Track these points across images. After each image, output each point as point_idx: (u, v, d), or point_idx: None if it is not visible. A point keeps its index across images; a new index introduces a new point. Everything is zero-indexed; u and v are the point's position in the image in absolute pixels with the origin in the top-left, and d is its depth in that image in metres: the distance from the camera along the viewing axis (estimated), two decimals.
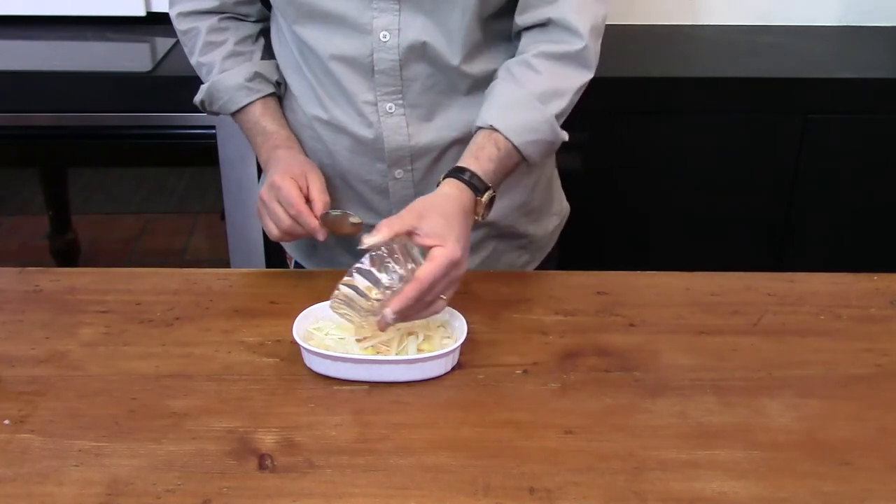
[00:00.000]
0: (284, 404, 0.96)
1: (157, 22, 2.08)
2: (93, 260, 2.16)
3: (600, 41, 1.16)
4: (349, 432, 0.92)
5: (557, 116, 1.13)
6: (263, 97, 1.24)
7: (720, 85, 1.95)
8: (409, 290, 0.96)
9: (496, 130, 1.10)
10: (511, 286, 1.18)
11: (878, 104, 1.96)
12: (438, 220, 1.02)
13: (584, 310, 1.14)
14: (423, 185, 1.23)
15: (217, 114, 1.28)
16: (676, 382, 1.00)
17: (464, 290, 1.16)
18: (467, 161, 1.09)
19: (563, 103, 1.13)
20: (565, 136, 1.15)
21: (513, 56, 1.18)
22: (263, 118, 1.23)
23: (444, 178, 1.09)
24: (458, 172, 1.08)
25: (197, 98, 1.27)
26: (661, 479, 0.87)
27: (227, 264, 1.95)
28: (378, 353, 1.01)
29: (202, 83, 1.26)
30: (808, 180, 2.00)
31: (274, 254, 1.95)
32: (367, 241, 0.99)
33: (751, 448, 0.91)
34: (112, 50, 2.05)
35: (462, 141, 1.20)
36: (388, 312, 0.96)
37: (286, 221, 1.12)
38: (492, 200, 1.10)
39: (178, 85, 1.82)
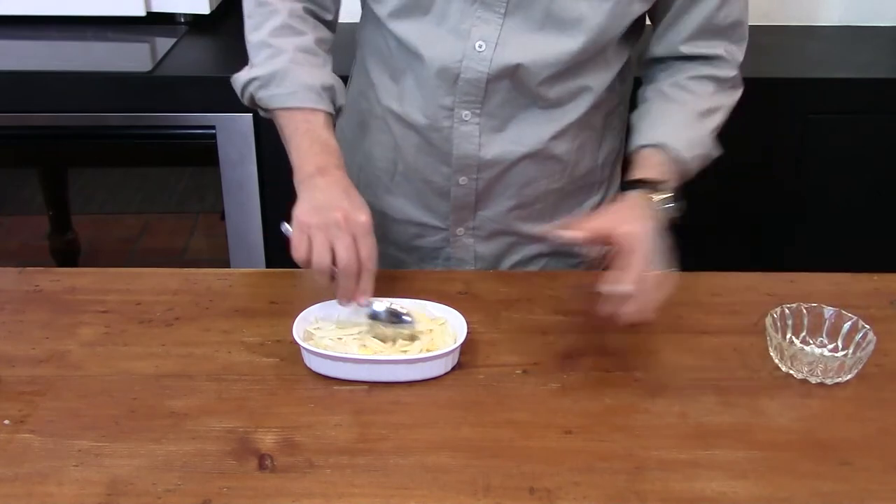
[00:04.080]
0: (284, 404, 0.96)
1: (157, 22, 2.08)
2: (93, 260, 2.16)
3: None
4: (349, 432, 0.92)
5: (712, 131, 1.18)
6: (327, 113, 1.13)
7: None
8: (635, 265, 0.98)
9: (666, 147, 1.14)
10: (511, 286, 1.18)
11: (878, 104, 1.96)
12: (635, 224, 1.03)
13: (585, 310, 1.14)
14: (485, 195, 1.23)
15: (252, 100, 1.15)
16: (676, 382, 1.00)
17: (464, 289, 1.16)
18: (646, 173, 1.12)
19: (718, 119, 1.19)
20: (719, 150, 1.19)
21: (599, 82, 1.18)
22: (326, 131, 1.11)
23: (627, 192, 1.11)
24: (639, 184, 1.11)
25: (245, 75, 1.14)
26: (661, 479, 0.87)
27: (227, 264, 1.95)
28: (378, 352, 1.01)
29: (248, 64, 1.15)
30: (808, 180, 2.00)
31: (274, 254, 1.95)
32: (564, 233, 1.01)
33: (751, 448, 0.91)
34: (112, 50, 2.05)
35: (531, 157, 1.20)
36: (623, 286, 0.96)
37: (347, 260, 1.00)
38: (672, 200, 1.12)
39: (178, 85, 1.83)
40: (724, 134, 1.97)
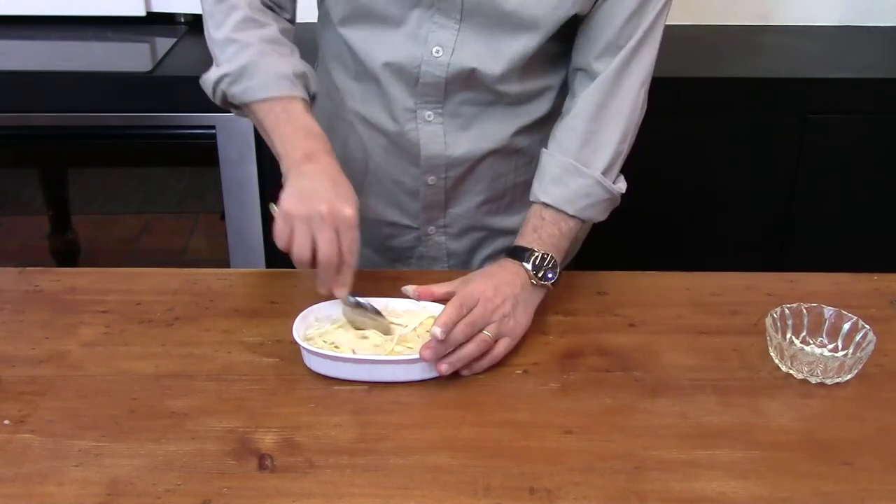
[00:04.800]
0: (284, 404, 0.96)
1: (157, 22, 2.08)
2: (93, 260, 2.16)
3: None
4: (349, 432, 0.92)
5: (605, 172, 1.13)
6: (304, 100, 1.11)
7: (720, 85, 1.95)
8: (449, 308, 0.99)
9: (549, 206, 1.12)
10: None
11: (878, 104, 1.96)
12: (478, 284, 1.04)
13: (584, 310, 1.14)
14: (454, 193, 1.24)
15: (225, 98, 1.13)
16: (676, 382, 1.00)
17: None
18: (522, 239, 1.11)
19: (607, 156, 1.13)
20: (622, 188, 1.16)
21: (559, 80, 1.19)
22: (307, 117, 1.09)
23: (504, 258, 1.11)
24: (510, 252, 1.11)
25: (214, 74, 1.12)
26: (661, 479, 0.87)
27: (227, 264, 1.96)
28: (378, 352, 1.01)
29: (215, 63, 1.14)
30: (808, 180, 2.00)
31: (274, 254, 1.95)
32: (411, 292, 1.06)
33: (751, 448, 0.91)
34: (112, 50, 2.05)
35: (497, 152, 1.21)
36: (436, 329, 0.97)
37: (328, 255, 1.00)
38: (543, 261, 1.09)
39: (178, 85, 1.83)
40: (725, 132, 1.98)
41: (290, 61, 1.11)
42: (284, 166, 1.07)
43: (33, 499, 0.83)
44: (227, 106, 1.15)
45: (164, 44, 2.01)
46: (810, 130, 1.96)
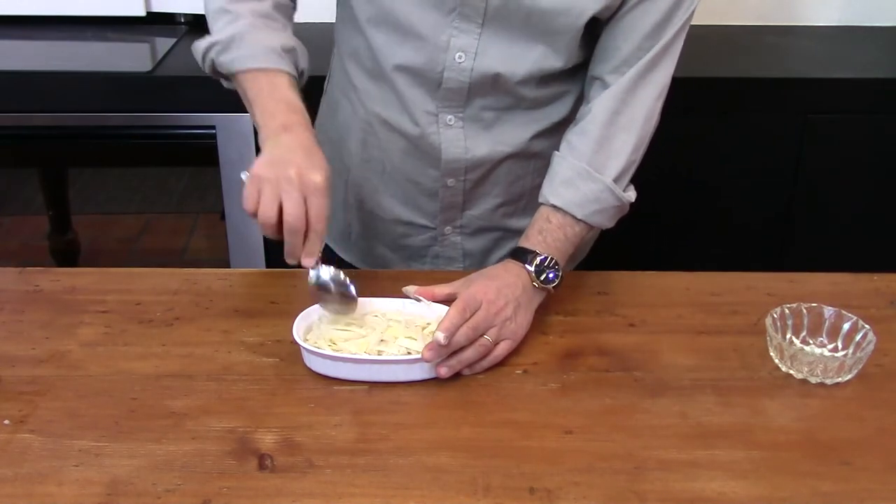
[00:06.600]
0: (284, 404, 0.96)
1: (157, 22, 2.08)
2: (93, 260, 2.16)
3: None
4: (349, 432, 0.92)
5: (617, 179, 1.13)
6: (290, 75, 1.11)
7: (720, 85, 1.95)
8: (452, 313, 0.99)
9: (557, 208, 1.12)
10: None
11: (878, 104, 1.96)
12: (479, 285, 1.04)
13: (585, 310, 1.14)
14: (472, 194, 1.24)
15: (213, 67, 1.14)
16: (676, 382, 1.00)
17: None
18: (526, 241, 1.11)
19: (616, 166, 1.13)
20: (631, 197, 1.15)
21: (579, 86, 1.19)
22: (290, 91, 1.10)
23: (506, 259, 1.11)
24: (513, 253, 1.10)
25: (203, 43, 1.13)
26: (661, 479, 0.87)
27: (227, 264, 1.96)
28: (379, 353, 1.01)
29: (209, 33, 1.14)
30: (808, 180, 2.00)
31: (274, 254, 1.95)
32: (412, 293, 1.06)
33: (751, 448, 0.91)
34: (112, 50, 2.05)
35: (515, 156, 1.21)
36: (439, 334, 0.97)
37: (293, 217, 1.00)
38: (546, 263, 1.08)
39: (178, 85, 1.83)
40: (725, 132, 1.98)
41: (279, 36, 1.12)
42: (262, 136, 1.07)
43: (33, 499, 0.83)
44: (216, 75, 1.16)
45: (164, 44, 2.01)
46: (810, 130, 1.96)
